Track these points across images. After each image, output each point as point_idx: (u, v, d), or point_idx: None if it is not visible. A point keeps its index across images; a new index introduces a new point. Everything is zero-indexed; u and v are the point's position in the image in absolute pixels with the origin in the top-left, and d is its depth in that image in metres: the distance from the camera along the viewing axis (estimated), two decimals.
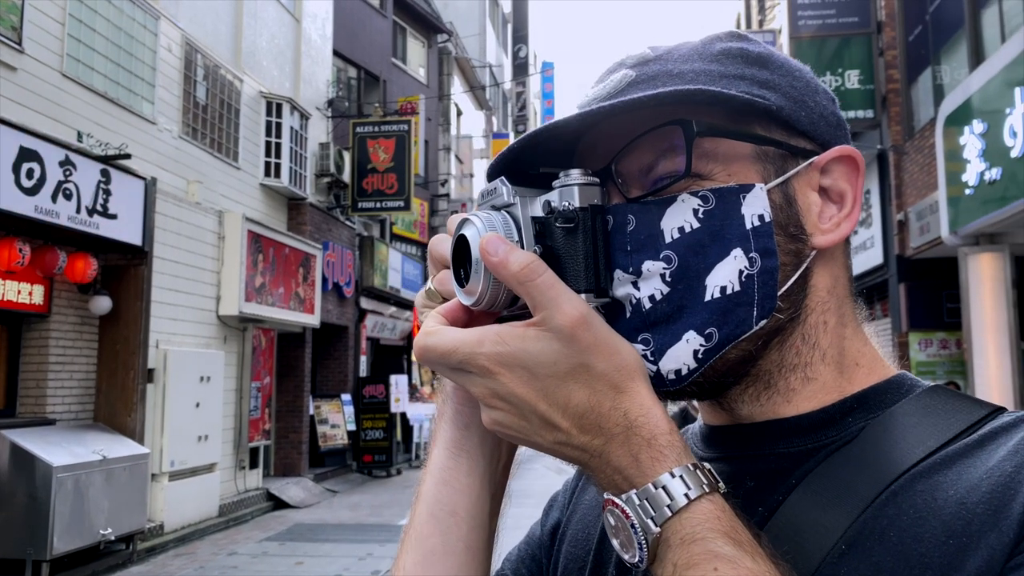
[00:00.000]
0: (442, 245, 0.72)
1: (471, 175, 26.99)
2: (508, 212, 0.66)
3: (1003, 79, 8.00)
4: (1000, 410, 0.65)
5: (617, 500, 0.59)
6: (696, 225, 0.64)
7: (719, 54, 0.70)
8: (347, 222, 16.48)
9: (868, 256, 12.68)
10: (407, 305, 19.81)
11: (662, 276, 0.64)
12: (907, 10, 11.63)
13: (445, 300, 0.72)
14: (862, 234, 12.77)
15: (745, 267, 0.64)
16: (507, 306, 0.66)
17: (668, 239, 0.64)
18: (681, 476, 0.57)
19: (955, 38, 10.10)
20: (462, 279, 0.66)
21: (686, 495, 0.57)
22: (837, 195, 0.70)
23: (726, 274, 0.64)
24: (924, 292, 11.40)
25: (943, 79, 10.52)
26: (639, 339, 0.65)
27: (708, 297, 0.64)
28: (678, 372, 0.64)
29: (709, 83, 0.67)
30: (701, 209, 0.64)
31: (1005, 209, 7.91)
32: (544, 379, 0.59)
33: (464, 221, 0.66)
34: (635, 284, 0.65)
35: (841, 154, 0.69)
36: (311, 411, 14.93)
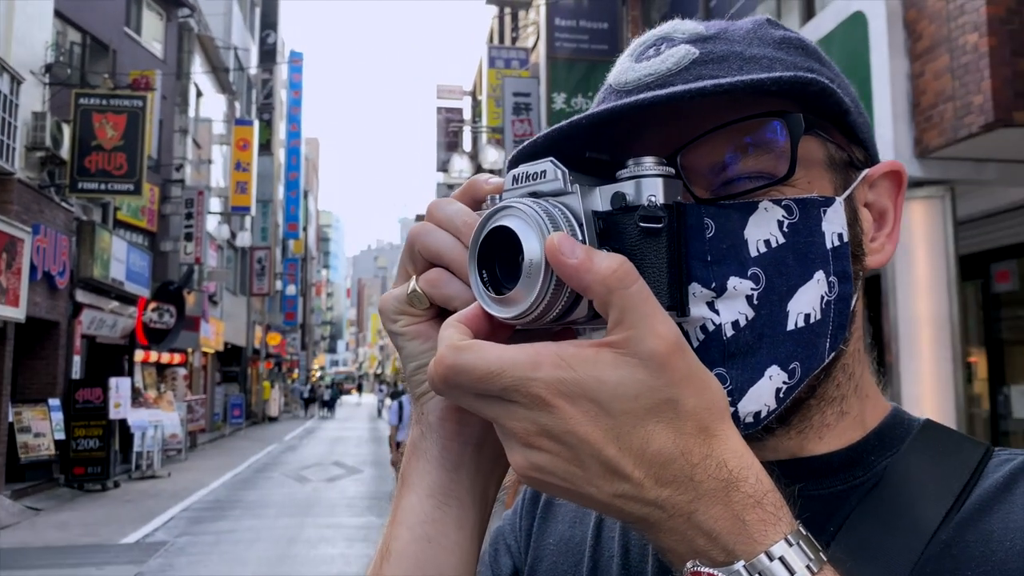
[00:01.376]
0: (431, 236, 0.57)
1: (209, 161, 25.24)
2: (561, 203, 0.52)
3: None
4: (991, 447, 0.65)
5: (717, 573, 0.47)
6: (782, 240, 0.55)
7: (780, 41, 0.62)
8: (64, 204, 14.65)
9: None
10: (131, 300, 18.02)
11: (748, 298, 0.54)
12: None
13: (433, 307, 0.57)
14: None
15: (825, 292, 0.57)
16: (555, 321, 0.52)
17: (754, 253, 0.54)
18: (799, 544, 0.48)
19: None
20: (486, 282, 0.52)
21: (808, 567, 0.47)
22: (878, 212, 0.65)
23: (809, 300, 0.56)
24: None
25: None
26: (713, 374, 0.54)
27: (791, 326, 0.55)
28: (757, 415, 0.55)
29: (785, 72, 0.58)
30: (786, 222, 0.55)
31: None
32: (619, 416, 0.46)
33: (501, 209, 0.51)
34: (711, 304, 0.54)
35: (891, 168, 0.65)
36: (10, 418, 13.11)
